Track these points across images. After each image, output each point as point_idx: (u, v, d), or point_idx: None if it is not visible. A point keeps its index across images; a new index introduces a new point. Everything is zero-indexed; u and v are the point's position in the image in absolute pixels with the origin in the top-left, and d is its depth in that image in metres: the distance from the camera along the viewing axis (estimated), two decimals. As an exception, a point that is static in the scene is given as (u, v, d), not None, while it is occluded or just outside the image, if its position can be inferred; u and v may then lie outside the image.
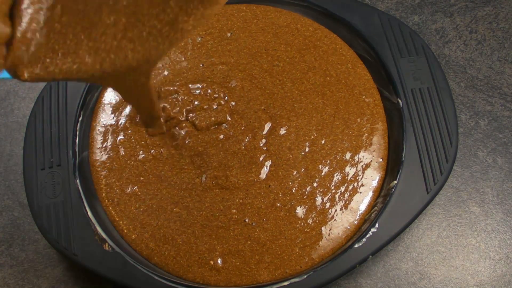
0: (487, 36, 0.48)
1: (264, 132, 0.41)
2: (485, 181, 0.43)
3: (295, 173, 0.40)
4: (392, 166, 0.40)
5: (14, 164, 0.45)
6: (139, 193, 0.40)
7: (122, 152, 0.41)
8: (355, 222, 0.38)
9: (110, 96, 0.43)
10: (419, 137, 0.40)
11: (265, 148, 0.41)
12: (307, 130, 0.41)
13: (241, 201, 0.39)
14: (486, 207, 0.42)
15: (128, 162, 0.41)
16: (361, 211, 0.39)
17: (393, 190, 0.38)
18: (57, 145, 0.40)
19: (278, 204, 0.39)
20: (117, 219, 0.39)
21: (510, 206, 0.42)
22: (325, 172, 0.40)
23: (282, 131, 0.41)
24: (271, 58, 0.44)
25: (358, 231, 0.38)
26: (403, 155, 0.39)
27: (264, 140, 0.41)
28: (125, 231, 0.39)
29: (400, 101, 0.41)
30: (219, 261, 0.37)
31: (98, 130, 0.42)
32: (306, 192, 0.39)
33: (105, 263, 0.37)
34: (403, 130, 0.40)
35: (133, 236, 0.39)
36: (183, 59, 0.44)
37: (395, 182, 0.38)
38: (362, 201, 0.39)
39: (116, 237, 0.38)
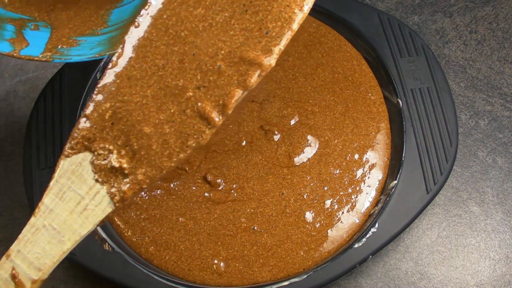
0: (487, 36, 0.48)
1: (287, 140, 0.41)
2: (485, 181, 0.43)
3: (308, 178, 0.40)
4: (392, 166, 0.40)
5: (14, 164, 0.45)
6: (140, 202, 0.39)
7: None
8: (360, 223, 0.38)
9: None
10: (419, 137, 0.40)
11: (287, 160, 0.40)
12: (322, 130, 0.41)
13: (252, 210, 0.39)
14: (486, 207, 0.42)
15: None
16: (366, 212, 0.39)
17: (393, 190, 0.38)
18: (57, 145, 0.40)
19: (288, 211, 0.39)
20: (116, 222, 0.39)
21: (510, 206, 0.42)
22: (336, 175, 0.40)
23: (303, 135, 0.41)
24: None
25: (359, 231, 0.38)
26: (403, 155, 0.39)
27: (284, 148, 0.41)
28: (125, 233, 0.39)
29: (400, 101, 0.41)
30: (222, 265, 0.37)
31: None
32: (317, 197, 0.39)
33: (105, 263, 0.37)
34: (403, 130, 0.40)
35: (133, 239, 0.38)
36: None
37: (395, 182, 0.38)
38: (368, 202, 0.39)
39: (116, 237, 0.38)
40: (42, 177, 0.39)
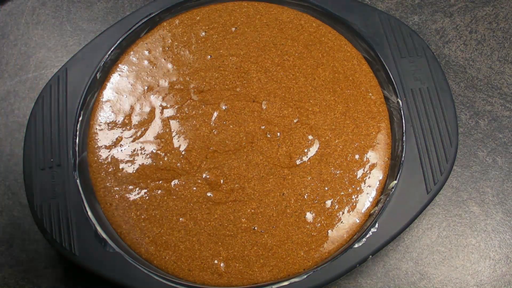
0: (487, 36, 0.48)
1: (288, 140, 0.41)
2: (485, 181, 0.43)
3: (309, 178, 0.40)
4: (392, 166, 0.40)
5: (14, 164, 0.45)
6: (140, 202, 0.39)
7: (121, 156, 0.41)
8: (360, 223, 0.38)
9: (109, 94, 0.43)
10: (419, 137, 0.40)
11: (288, 160, 0.40)
12: (322, 130, 0.41)
13: (253, 210, 0.39)
14: (486, 207, 0.42)
15: (129, 165, 0.41)
16: (366, 212, 0.39)
17: (393, 190, 0.38)
18: (57, 145, 0.40)
19: (289, 211, 0.39)
20: (116, 222, 0.39)
21: (510, 206, 0.42)
22: (336, 175, 0.40)
23: (303, 135, 0.41)
24: (280, 52, 0.44)
25: (359, 231, 0.38)
26: (403, 155, 0.39)
27: (285, 148, 0.41)
28: (125, 234, 0.39)
29: (400, 101, 0.41)
30: (222, 265, 0.37)
31: (96, 129, 0.42)
32: (317, 197, 0.39)
33: (105, 263, 0.37)
34: (403, 130, 0.40)
35: (133, 239, 0.38)
36: (187, 52, 0.44)
37: (395, 182, 0.38)
38: (368, 202, 0.39)
39: (116, 238, 0.38)
40: (42, 177, 0.39)
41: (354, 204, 0.39)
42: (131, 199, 0.39)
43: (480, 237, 0.41)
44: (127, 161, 0.41)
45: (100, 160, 0.41)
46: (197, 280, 0.37)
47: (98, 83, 0.43)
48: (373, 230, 0.37)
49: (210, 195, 0.39)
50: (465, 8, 0.50)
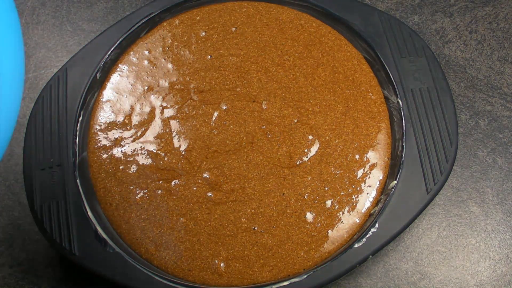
0: (487, 36, 0.48)
1: (288, 140, 0.41)
2: (485, 181, 0.43)
3: (309, 178, 0.40)
4: (392, 166, 0.40)
5: (14, 164, 0.45)
6: (140, 202, 0.39)
7: (121, 156, 0.41)
8: (361, 223, 0.38)
9: (109, 94, 0.43)
10: (419, 137, 0.40)
11: (288, 160, 0.40)
12: (323, 130, 0.41)
13: (253, 211, 0.39)
14: (486, 207, 0.42)
15: (129, 165, 0.41)
16: (366, 212, 0.39)
17: (393, 190, 0.38)
18: (57, 145, 0.40)
19: (289, 211, 0.39)
20: (116, 222, 0.39)
21: (510, 206, 0.42)
22: (336, 175, 0.40)
23: (303, 135, 0.41)
24: (280, 52, 0.44)
25: (359, 231, 0.38)
26: (403, 155, 0.39)
27: (285, 149, 0.41)
28: (125, 234, 0.39)
29: (400, 101, 0.41)
30: (222, 265, 0.37)
31: (96, 129, 0.42)
32: (318, 197, 0.39)
33: (105, 263, 0.37)
34: (403, 130, 0.40)
35: (133, 239, 0.38)
36: (187, 52, 0.44)
37: (395, 182, 0.38)
38: (369, 202, 0.39)
39: (116, 238, 0.38)
40: (42, 177, 0.39)
41: (354, 204, 0.39)
42: (131, 199, 0.39)
43: (480, 237, 0.41)
44: (127, 161, 0.41)
45: (100, 160, 0.41)
46: (197, 280, 0.37)
47: (98, 83, 0.43)
48: (373, 230, 0.37)
49: (210, 195, 0.39)
50: (465, 8, 0.50)
